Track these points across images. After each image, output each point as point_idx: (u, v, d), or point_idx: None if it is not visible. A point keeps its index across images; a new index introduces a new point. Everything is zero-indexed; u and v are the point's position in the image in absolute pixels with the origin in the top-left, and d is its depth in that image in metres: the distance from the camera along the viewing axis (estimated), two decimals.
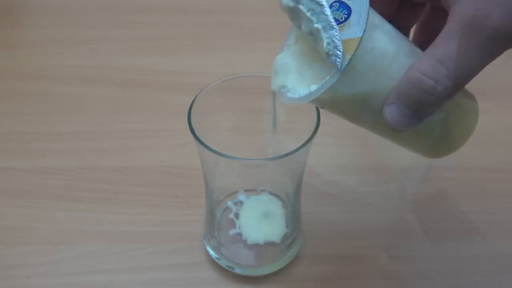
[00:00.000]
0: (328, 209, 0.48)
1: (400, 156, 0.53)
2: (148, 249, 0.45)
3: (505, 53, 0.31)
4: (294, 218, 0.43)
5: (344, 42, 0.29)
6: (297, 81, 0.31)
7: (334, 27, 0.29)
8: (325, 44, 0.28)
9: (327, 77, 0.29)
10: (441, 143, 0.36)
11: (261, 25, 0.67)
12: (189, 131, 0.36)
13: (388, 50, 0.30)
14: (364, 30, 0.28)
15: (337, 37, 0.28)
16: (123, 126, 0.56)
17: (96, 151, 0.53)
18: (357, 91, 0.30)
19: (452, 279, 0.43)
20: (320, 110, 0.35)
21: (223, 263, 0.43)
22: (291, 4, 0.30)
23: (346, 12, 0.29)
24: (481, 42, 0.27)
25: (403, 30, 0.34)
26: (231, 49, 0.66)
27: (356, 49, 0.28)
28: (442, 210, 0.48)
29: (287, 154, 0.35)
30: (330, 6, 0.30)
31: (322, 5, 0.29)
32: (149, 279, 0.43)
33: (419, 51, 0.32)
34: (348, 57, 0.28)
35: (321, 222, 0.47)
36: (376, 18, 0.30)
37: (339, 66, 0.28)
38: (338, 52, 0.28)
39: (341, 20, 0.29)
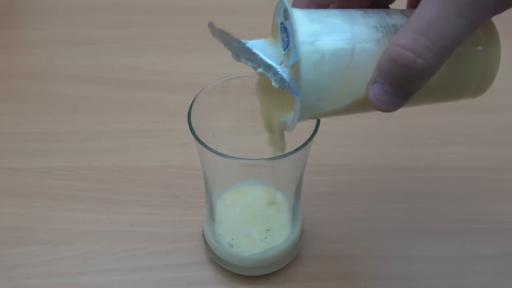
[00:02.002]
0: (328, 209, 0.48)
1: (400, 156, 0.53)
2: (148, 249, 0.45)
3: (504, 52, 0.31)
4: (294, 217, 0.43)
5: (292, 68, 0.29)
6: (284, 112, 0.32)
7: (272, 65, 0.30)
8: (273, 82, 0.30)
9: (295, 105, 0.30)
10: (467, 83, 0.32)
11: (261, 25, 0.66)
12: (189, 131, 0.36)
13: (340, 47, 0.28)
14: (299, 51, 0.27)
15: (277, 71, 0.29)
16: (123, 126, 0.56)
17: (95, 151, 0.53)
18: (333, 99, 0.29)
19: (452, 279, 0.43)
20: None
21: (223, 263, 0.43)
22: (236, 58, 0.31)
23: (286, 35, 0.29)
24: (461, 7, 0.25)
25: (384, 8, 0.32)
26: None
27: (300, 72, 0.28)
28: (442, 210, 0.48)
29: (287, 154, 0.35)
30: (281, 29, 0.30)
31: (252, 52, 0.30)
32: (149, 279, 0.43)
33: (396, 25, 0.30)
34: (298, 82, 0.28)
35: (321, 222, 0.47)
36: (315, 25, 0.28)
37: (296, 94, 0.29)
38: (286, 83, 0.29)
39: (287, 44, 0.30)
